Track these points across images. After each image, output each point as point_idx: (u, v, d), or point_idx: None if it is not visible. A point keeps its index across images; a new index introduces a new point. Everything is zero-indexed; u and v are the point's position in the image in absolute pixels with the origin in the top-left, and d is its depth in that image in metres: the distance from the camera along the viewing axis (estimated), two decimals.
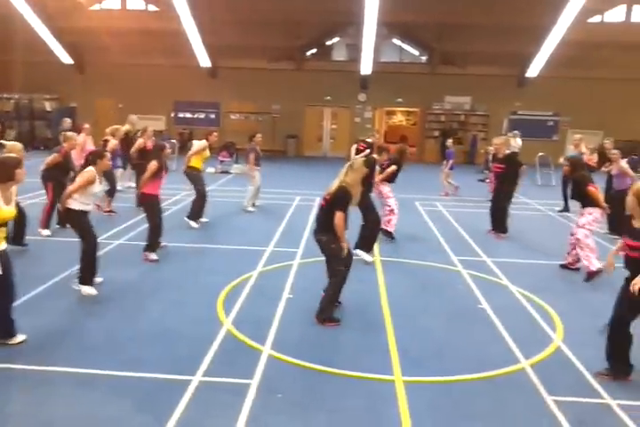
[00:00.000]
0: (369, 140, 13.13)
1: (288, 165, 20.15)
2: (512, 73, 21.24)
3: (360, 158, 6.32)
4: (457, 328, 5.60)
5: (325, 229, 5.51)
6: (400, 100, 22.90)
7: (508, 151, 9.78)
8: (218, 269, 7.22)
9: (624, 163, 9.50)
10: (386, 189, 8.82)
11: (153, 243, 7.49)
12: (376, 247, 8.29)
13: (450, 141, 14.54)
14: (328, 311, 5.57)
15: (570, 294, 6.74)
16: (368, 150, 11.03)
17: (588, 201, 7.19)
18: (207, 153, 9.87)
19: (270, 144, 20.91)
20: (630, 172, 9.46)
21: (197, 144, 9.85)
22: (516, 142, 17.10)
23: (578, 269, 7.25)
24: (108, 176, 9.49)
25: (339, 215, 5.37)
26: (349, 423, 3.88)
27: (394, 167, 8.65)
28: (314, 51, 23.66)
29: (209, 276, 6.93)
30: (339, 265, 5.56)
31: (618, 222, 9.22)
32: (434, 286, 6.90)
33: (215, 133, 10.12)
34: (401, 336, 5.30)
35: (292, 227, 9.80)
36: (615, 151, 9.89)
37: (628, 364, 4.56)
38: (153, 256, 7.41)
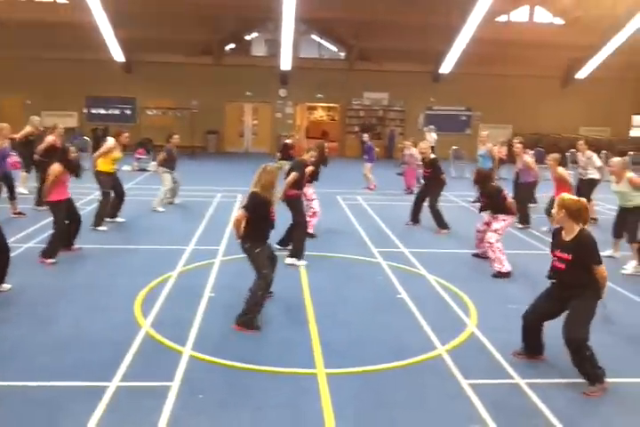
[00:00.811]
0: (288, 141, 13.19)
1: (209, 161, 19.83)
2: (427, 70, 21.90)
3: (271, 166, 6.03)
4: (377, 319, 5.73)
5: (246, 236, 5.39)
6: (320, 95, 23.07)
7: (432, 156, 10.05)
8: (136, 271, 7.00)
9: (528, 157, 10.03)
10: (309, 191, 8.84)
11: (52, 248, 7.14)
12: None
13: (366, 136, 14.82)
14: (248, 316, 5.30)
15: (482, 281, 7.05)
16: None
17: (502, 209, 7.38)
18: (117, 155, 9.29)
19: (190, 140, 20.48)
20: (534, 166, 10.00)
21: (105, 144, 9.37)
22: (432, 137, 17.67)
23: (489, 258, 7.58)
24: (4, 180, 9.05)
25: (240, 212, 5.36)
26: (273, 420, 3.88)
27: (311, 168, 8.66)
28: (232, 46, 23.38)
29: (126, 277, 6.70)
30: (263, 269, 5.40)
31: (519, 211, 9.81)
32: (355, 279, 7.02)
33: (126, 135, 9.64)
34: (323, 329, 5.36)
35: (214, 224, 9.66)
36: (519, 146, 10.42)
37: (541, 344, 4.84)
38: (50, 260, 7.08)
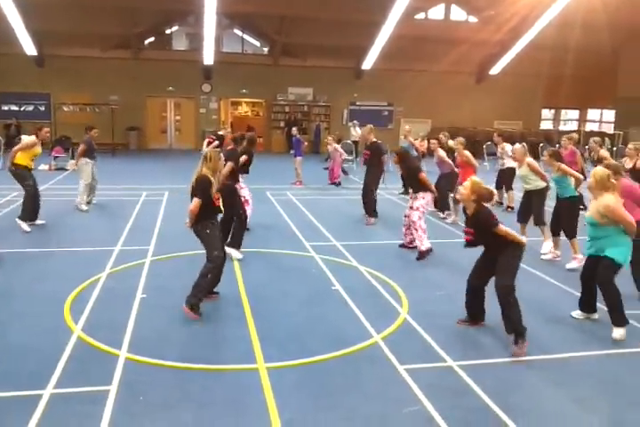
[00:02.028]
0: (220, 132, 13.00)
1: (131, 158, 19.26)
2: (349, 65, 22.23)
3: (213, 149, 6.27)
4: (314, 311, 5.83)
5: (197, 218, 5.51)
6: (245, 91, 22.90)
7: (374, 139, 10.23)
8: (62, 274, 6.74)
9: (441, 151, 10.51)
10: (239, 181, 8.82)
11: None
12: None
13: (294, 130, 14.90)
14: (195, 298, 5.43)
15: (411, 270, 7.31)
16: (217, 142, 10.94)
17: (420, 186, 7.83)
18: (37, 150, 8.98)
19: (110, 137, 19.79)
20: (447, 159, 10.50)
21: (25, 140, 9.00)
22: (356, 131, 17.99)
23: (415, 248, 7.88)
24: None
25: (195, 201, 5.44)
26: (216, 417, 3.89)
27: (244, 157, 8.67)
28: (152, 39, 22.72)
29: (52, 282, 6.45)
30: (214, 251, 5.55)
31: (441, 201, 10.30)
32: (289, 273, 7.09)
33: (46, 129, 9.29)
34: (261, 324, 5.39)
35: (141, 224, 9.43)
36: (434, 141, 10.96)
37: (482, 310, 5.40)
38: None
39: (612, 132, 23.15)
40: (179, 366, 4.54)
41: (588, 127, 26.00)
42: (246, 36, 23.31)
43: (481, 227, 5.03)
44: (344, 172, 15.11)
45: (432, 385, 4.35)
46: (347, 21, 19.49)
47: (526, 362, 4.77)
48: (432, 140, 11.23)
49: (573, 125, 26.95)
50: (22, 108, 20.80)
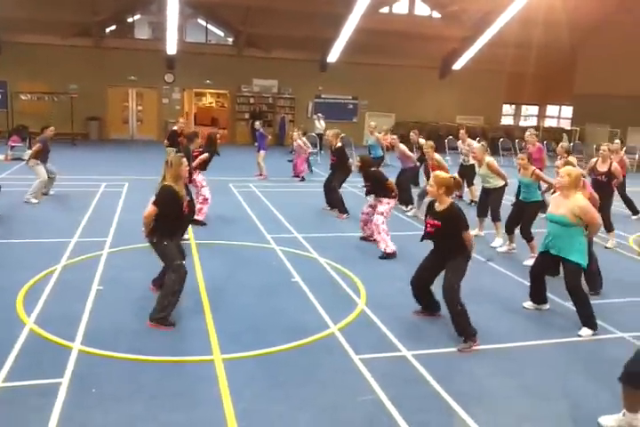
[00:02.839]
0: (175, 128, 12.84)
1: (91, 149, 18.84)
2: (314, 58, 22.16)
3: (176, 155, 5.93)
4: (272, 302, 5.86)
5: (154, 231, 5.15)
6: (209, 81, 22.60)
7: (339, 144, 10.20)
8: (16, 266, 6.59)
9: (402, 146, 10.61)
10: (200, 177, 8.75)
11: None
12: (190, 231, 8.24)
13: (258, 123, 14.78)
14: (163, 313, 5.07)
15: (370, 262, 7.38)
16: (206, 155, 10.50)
17: (385, 192, 7.77)
18: None
19: (69, 127, 19.31)
20: (409, 153, 10.60)
21: None
22: (321, 124, 17.99)
23: (374, 240, 7.93)
24: None
25: (151, 208, 5.07)
26: (169, 407, 3.89)
27: (206, 155, 8.61)
28: (113, 28, 22.21)
29: (5, 273, 6.31)
30: (174, 261, 5.15)
31: (401, 195, 10.37)
32: (249, 265, 7.09)
33: None
34: (219, 317, 5.39)
35: (100, 215, 9.27)
36: (394, 137, 11.04)
37: (434, 303, 5.49)
38: None
39: (569, 128, 23.75)
40: (132, 357, 4.51)
41: (547, 123, 26.59)
42: (210, 26, 23.00)
43: (450, 224, 4.97)
44: (309, 168, 15.01)
45: (386, 374, 4.43)
46: (312, 13, 19.40)
47: (477, 351, 4.90)
48: (392, 136, 11.36)
49: (533, 121, 27.51)
50: None
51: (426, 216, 5.27)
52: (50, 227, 8.46)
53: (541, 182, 7.74)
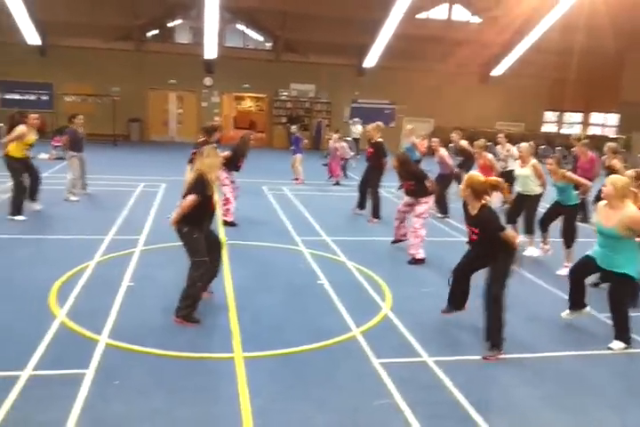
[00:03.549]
0: (214, 123, 13.01)
1: (131, 149, 19.33)
2: (352, 63, 22.24)
3: (209, 146, 6.08)
4: (297, 304, 5.89)
5: (185, 220, 5.14)
6: (247, 85, 22.93)
7: (379, 139, 10.10)
8: (51, 261, 6.80)
9: (443, 151, 10.47)
10: (223, 175, 8.84)
11: None
12: (221, 231, 8.38)
13: (294, 127, 14.89)
14: (187, 309, 5.16)
15: (399, 267, 7.34)
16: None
17: (423, 191, 7.64)
18: (31, 138, 8.86)
19: (111, 128, 19.86)
20: (448, 159, 10.46)
21: (16, 130, 8.82)
22: (357, 129, 17.99)
23: (406, 241, 7.84)
24: None
25: (191, 197, 5.10)
26: (188, 402, 3.95)
27: (227, 153, 8.66)
28: (155, 32, 22.77)
29: (41, 268, 6.51)
30: (198, 256, 5.17)
31: (439, 201, 10.29)
32: (277, 267, 7.13)
33: (34, 116, 9.06)
34: (243, 316, 5.45)
35: (135, 214, 9.49)
36: (435, 140, 10.86)
37: (466, 296, 5.45)
38: None
39: (614, 136, 23.11)
40: (156, 352, 4.60)
41: (591, 131, 25.94)
42: (249, 31, 23.33)
43: (484, 228, 4.88)
44: (344, 172, 14.98)
45: (405, 379, 4.40)
46: (349, 18, 19.51)
47: (502, 360, 4.81)
48: (433, 139, 11.16)
49: (576, 129, 26.89)
50: (25, 98, 20.85)
51: (465, 221, 5.16)
52: (86, 224, 8.70)
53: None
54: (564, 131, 26.63)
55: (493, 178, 5.13)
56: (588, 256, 5.36)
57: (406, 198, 7.96)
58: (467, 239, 5.26)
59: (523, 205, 8.20)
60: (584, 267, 5.42)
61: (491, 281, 4.87)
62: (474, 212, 4.94)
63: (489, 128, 22.98)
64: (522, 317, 5.79)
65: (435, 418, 3.90)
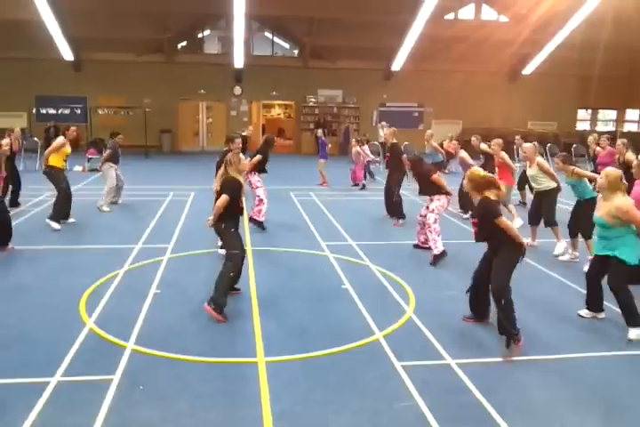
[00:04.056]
0: (244, 133, 13.26)
1: (163, 160, 19.72)
2: (379, 67, 22.24)
3: (232, 153, 6.43)
4: (321, 308, 5.91)
5: (221, 218, 5.65)
6: (275, 93, 23.16)
7: (394, 141, 10.26)
8: (82, 270, 6.99)
9: (463, 153, 10.44)
10: (254, 178, 9.01)
11: None
12: (247, 237, 8.48)
13: (320, 131, 15.00)
14: (220, 299, 5.44)
15: (423, 270, 7.30)
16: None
17: (435, 189, 7.74)
18: (67, 150, 9.34)
19: (143, 139, 20.31)
20: (469, 160, 10.40)
21: (56, 141, 9.40)
22: (384, 132, 17.89)
23: (429, 248, 7.85)
24: None
25: (223, 197, 5.60)
26: (211, 406, 4.01)
27: (258, 157, 8.89)
28: (184, 43, 23.24)
29: (72, 277, 6.70)
30: (234, 249, 5.67)
31: (465, 202, 10.23)
32: (301, 271, 7.18)
33: (73, 128, 9.66)
34: (266, 320, 5.51)
35: (164, 223, 9.69)
36: (455, 142, 10.86)
37: (486, 308, 5.40)
38: None
39: None
40: (180, 357, 4.69)
41: (627, 128, 25.30)
42: (276, 39, 23.58)
43: (482, 217, 5.02)
44: (370, 174, 15.06)
45: (427, 382, 4.37)
46: (375, 23, 19.53)
47: (526, 362, 4.74)
48: (453, 142, 11.18)
49: (611, 126, 26.27)
50: (60, 112, 21.53)
51: (472, 215, 5.39)
52: (117, 233, 8.93)
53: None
54: (599, 128, 26.02)
55: (491, 175, 5.23)
56: (596, 255, 5.48)
57: (427, 201, 7.98)
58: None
59: (541, 201, 8.18)
60: (594, 265, 5.52)
61: (495, 272, 4.94)
62: (476, 203, 5.09)
63: (521, 128, 22.65)
64: (548, 317, 5.71)
65: (455, 421, 3.86)
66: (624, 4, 17.95)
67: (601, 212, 5.26)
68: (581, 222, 7.37)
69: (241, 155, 6.56)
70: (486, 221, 4.98)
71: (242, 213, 6.00)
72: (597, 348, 5.05)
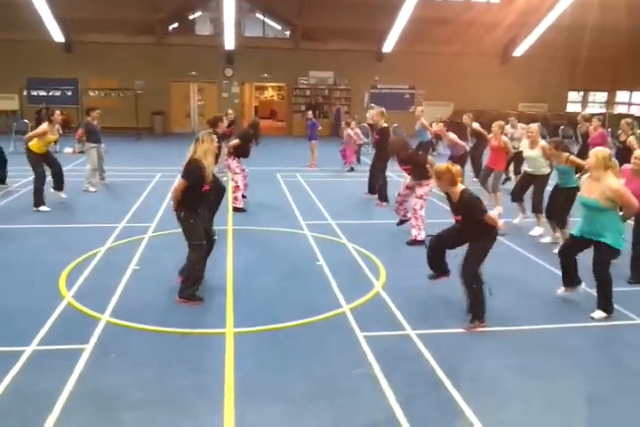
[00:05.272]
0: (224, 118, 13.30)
1: (154, 142, 19.78)
2: (370, 48, 22.18)
3: (205, 131, 6.33)
4: (292, 283, 6.12)
5: (182, 204, 5.41)
6: (266, 75, 23.12)
7: (384, 124, 10.25)
8: (65, 248, 7.17)
9: (452, 135, 10.48)
10: (234, 164, 9.12)
11: None
12: (229, 218, 8.67)
13: (309, 113, 15.08)
14: (189, 290, 5.46)
15: (397, 248, 7.49)
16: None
17: (423, 174, 7.73)
18: (51, 137, 9.29)
19: (135, 121, 20.34)
20: (458, 140, 10.45)
21: (39, 127, 9.34)
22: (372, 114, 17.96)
23: (408, 221, 7.97)
24: None
25: (180, 181, 5.35)
26: (178, 373, 4.22)
27: (236, 141, 8.96)
28: (176, 25, 23.12)
29: (55, 255, 6.89)
30: (195, 240, 5.46)
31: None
32: (278, 249, 7.38)
33: (58, 112, 9.64)
34: (239, 295, 5.71)
35: (149, 203, 9.86)
36: (440, 124, 10.87)
37: (445, 266, 5.56)
38: None
39: None
40: (152, 328, 4.90)
41: (618, 110, 25.35)
42: (267, 20, 23.47)
43: (468, 213, 4.98)
44: (358, 157, 15.11)
45: (385, 350, 4.59)
46: (366, 4, 19.43)
47: (485, 333, 4.95)
48: (439, 124, 11.21)
49: (601, 108, 26.30)
50: (51, 94, 21.49)
51: (451, 211, 5.26)
52: (102, 213, 9.10)
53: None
54: (590, 110, 26.05)
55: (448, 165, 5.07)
56: (572, 235, 5.48)
57: (408, 181, 8.05)
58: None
59: (530, 183, 8.26)
60: (570, 246, 5.54)
61: (469, 258, 5.02)
62: (455, 199, 5.04)
63: (511, 110, 22.69)
64: (513, 293, 5.92)
65: (408, 386, 4.08)
66: None
67: (595, 194, 5.09)
68: (559, 210, 7.37)
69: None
70: (472, 217, 4.94)
71: (205, 201, 5.68)
72: (557, 320, 5.27)
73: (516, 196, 8.57)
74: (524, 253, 7.34)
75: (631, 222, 6.10)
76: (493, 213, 9.28)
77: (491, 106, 22.53)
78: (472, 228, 5.01)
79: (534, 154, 8.13)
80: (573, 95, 26.25)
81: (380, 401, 3.88)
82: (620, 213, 5.21)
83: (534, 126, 8.48)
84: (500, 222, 5.07)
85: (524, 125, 11.40)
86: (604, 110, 25.06)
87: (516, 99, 23.69)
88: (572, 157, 7.33)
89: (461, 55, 21.88)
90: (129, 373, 4.22)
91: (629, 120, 10.46)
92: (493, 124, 9.98)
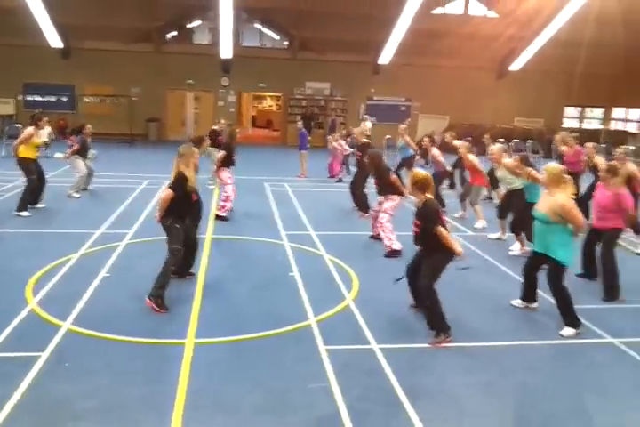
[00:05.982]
0: (215, 127, 13.34)
1: (148, 149, 19.78)
2: (367, 60, 22.25)
3: (184, 145, 6.43)
4: (262, 294, 6.05)
5: (168, 213, 5.65)
6: (263, 84, 23.18)
7: (365, 140, 10.50)
8: (39, 253, 7.11)
9: (435, 151, 10.50)
10: (225, 175, 9.16)
11: None
12: (210, 226, 8.62)
13: (300, 123, 15.10)
14: (159, 292, 5.48)
15: (373, 260, 7.43)
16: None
17: (390, 188, 7.76)
18: (37, 141, 9.35)
19: (129, 128, 20.37)
20: (439, 157, 10.45)
21: (24, 132, 9.40)
22: (366, 126, 18.01)
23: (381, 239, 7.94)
24: None
25: (167, 191, 5.64)
26: (131, 382, 4.15)
27: (222, 153, 9.02)
28: (174, 33, 23.24)
29: (27, 260, 6.82)
30: (175, 244, 5.62)
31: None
32: (254, 259, 7.31)
33: (46, 119, 9.74)
34: (207, 304, 5.64)
35: (130, 210, 9.80)
36: (425, 139, 10.92)
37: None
38: None
39: (635, 131, 22.59)
40: (111, 337, 4.82)
41: (614, 126, 25.39)
42: (266, 30, 23.59)
43: (423, 220, 5.03)
44: (347, 168, 15.08)
45: (347, 365, 4.51)
46: (364, 16, 19.53)
47: (450, 348, 4.88)
48: (424, 139, 11.24)
49: (597, 124, 26.34)
50: (46, 99, 21.55)
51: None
52: (82, 219, 9.04)
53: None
54: (586, 126, 26.10)
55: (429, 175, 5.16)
56: (533, 251, 5.54)
57: (378, 197, 8.06)
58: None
59: (511, 199, 8.24)
60: (531, 262, 5.59)
61: (423, 275, 5.03)
62: (419, 205, 5.11)
63: (507, 124, 22.74)
64: (484, 307, 5.86)
65: (363, 401, 4.00)
66: (616, 1, 17.95)
67: (545, 208, 5.22)
68: (527, 224, 7.34)
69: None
70: (426, 224, 4.99)
71: (191, 210, 6.01)
72: (525, 336, 5.20)
73: (500, 213, 8.59)
74: (501, 268, 7.27)
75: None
76: (477, 225, 9.29)
77: (486, 120, 22.58)
78: (426, 239, 5.04)
79: (500, 174, 8.31)
80: (570, 111, 26.29)
81: (333, 418, 3.80)
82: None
83: (495, 148, 8.58)
84: (459, 249, 4.99)
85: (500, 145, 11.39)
86: (600, 126, 25.11)
87: (512, 113, 23.74)
88: (533, 173, 7.33)
89: (458, 68, 21.96)
90: (80, 381, 4.15)
91: (594, 144, 10.46)
92: (459, 146, 10.01)
